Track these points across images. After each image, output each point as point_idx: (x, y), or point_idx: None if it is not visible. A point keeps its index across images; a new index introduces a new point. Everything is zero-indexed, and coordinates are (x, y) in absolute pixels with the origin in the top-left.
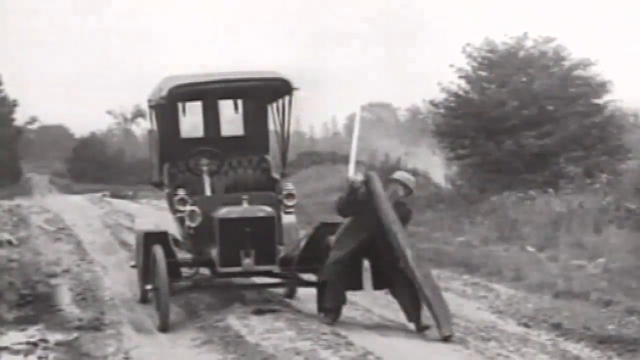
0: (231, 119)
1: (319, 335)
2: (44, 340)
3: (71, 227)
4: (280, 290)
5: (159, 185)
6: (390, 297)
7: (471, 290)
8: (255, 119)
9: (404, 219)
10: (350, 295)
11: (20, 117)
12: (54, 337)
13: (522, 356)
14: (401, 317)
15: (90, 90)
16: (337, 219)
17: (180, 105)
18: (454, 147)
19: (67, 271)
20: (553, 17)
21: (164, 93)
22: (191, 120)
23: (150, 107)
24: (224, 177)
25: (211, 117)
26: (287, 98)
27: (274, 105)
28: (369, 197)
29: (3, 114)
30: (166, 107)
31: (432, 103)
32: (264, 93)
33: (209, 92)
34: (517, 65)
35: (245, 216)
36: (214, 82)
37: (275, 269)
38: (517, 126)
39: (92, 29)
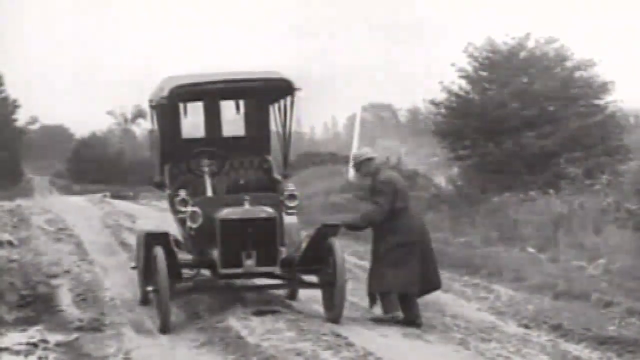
0: (232, 119)
1: (319, 336)
2: (44, 341)
3: (72, 227)
4: (282, 291)
5: (160, 185)
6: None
7: (471, 291)
8: (256, 120)
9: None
10: (350, 295)
11: (21, 118)
12: (54, 337)
13: (523, 357)
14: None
15: (91, 91)
16: (339, 220)
17: (181, 105)
18: (454, 148)
19: (67, 272)
20: (556, 18)
21: (165, 93)
22: (192, 121)
23: (152, 107)
24: (225, 177)
25: (212, 118)
26: (288, 98)
27: (276, 105)
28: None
29: (4, 114)
30: (167, 108)
31: (433, 103)
32: (265, 93)
33: (210, 93)
34: (518, 66)
35: (246, 217)
36: (215, 83)
37: (277, 270)
38: (518, 127)
39: (93, 29)
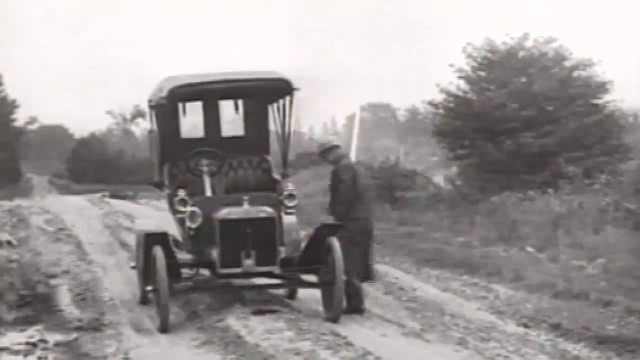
0: (232, 119)
1: (318, 336)
2: (44, 341)
3: (71, 227)
4: (281, 291)
5: (159, 185)
6: (390, 298)
7: (471, 291)
8: (255, 119)
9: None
10: None
11: (20, 118)
12: (54, 337)
13: (522, 356)
14: (400, 316)
15: (90, 91)
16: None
17: (180, 105)
18: (453, 148)
19: (66, 272)
20: (555, 17)
21: (164, 93)
22: (191, 121)
23: (151, 107)
24: (224, 177)
25: (211, 118)
26: (287, 98)
27: (275, 105)
28: None
29: (3, 114)
30: (166, 107)
31: (431, 103)
32: (264, 93)
33: (209, 92)
34: (517, 66)
35: (246, 217)
36: (214, 82)
37: (276, 270)
38: (517, 127)
39: (92, 29)
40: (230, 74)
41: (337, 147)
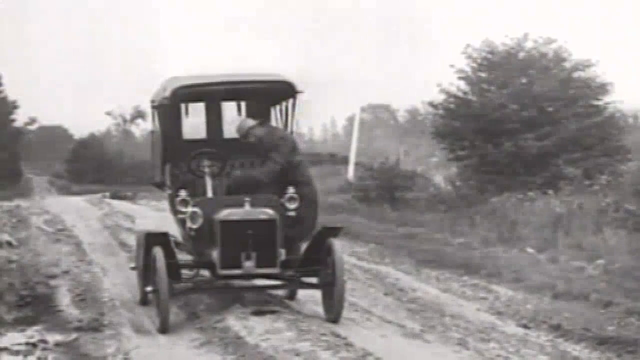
0: (234, 120)
1: (318, 336)
2: (44, 341)
3: (71, 228)
4: (281, 292)
5: (160, 185)
6: (390, 299)
7: (471, 292)
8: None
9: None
10: (350, 296)
11: (19, 118)
12: (54, 337)
13: (522, 357)
14: (400, 316)
15: (90, 91)
16: (339, 222)
17: (183, 106)
18: (453, 149)
19: (66, 272)
20: (554, 18)
21: (167, 93)
22: (194, 122)
23: (153, 107)
24: (225, 179)
25: (214, 119)
26: (290, 101)
27: (277, 107)
28: None
29: (3, 114)
30: (169, 108)
31: (431, 104)
32: (267, 95)
33: (212, 94)
34: (517, 67)
35: (246, 218)
36: (217, 84)
37: (276, 271)
38: (517, 128)
39: (92, 29)
40: (233, 76)
41: (254, 127)
